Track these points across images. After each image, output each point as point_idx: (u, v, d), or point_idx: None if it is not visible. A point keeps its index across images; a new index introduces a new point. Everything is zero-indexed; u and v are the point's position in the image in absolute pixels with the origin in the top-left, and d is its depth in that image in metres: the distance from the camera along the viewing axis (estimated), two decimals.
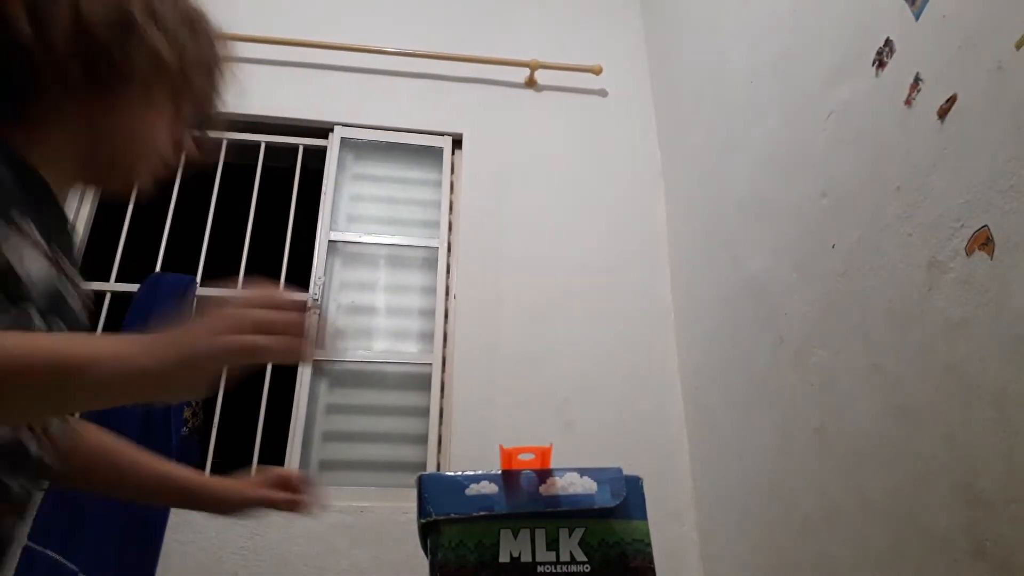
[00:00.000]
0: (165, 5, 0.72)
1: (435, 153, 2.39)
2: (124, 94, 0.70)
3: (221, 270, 1.94)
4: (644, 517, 0.64)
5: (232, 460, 1.64)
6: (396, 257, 2.28)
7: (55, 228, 0.68)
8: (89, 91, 0.67)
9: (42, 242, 0.64)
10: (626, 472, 0.65)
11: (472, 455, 1.93)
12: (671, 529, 1.93)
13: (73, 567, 1.59)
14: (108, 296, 2.02)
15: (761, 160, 1.73)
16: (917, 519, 1.10)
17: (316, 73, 2.38)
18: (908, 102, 1.19)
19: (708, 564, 1.88)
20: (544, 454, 0.65)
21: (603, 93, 2.56)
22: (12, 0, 0.62)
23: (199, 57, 0.76)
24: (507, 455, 0.64)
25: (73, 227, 0.80)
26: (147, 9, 0.69)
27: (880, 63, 1.28)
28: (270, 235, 2.24)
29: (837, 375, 1.35)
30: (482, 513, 0.60)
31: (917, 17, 1.18)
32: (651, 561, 0.62)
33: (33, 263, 0.62)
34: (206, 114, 0.81)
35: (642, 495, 0.65)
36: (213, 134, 0.85)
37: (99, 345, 0.54)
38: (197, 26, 0.77)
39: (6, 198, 0.60)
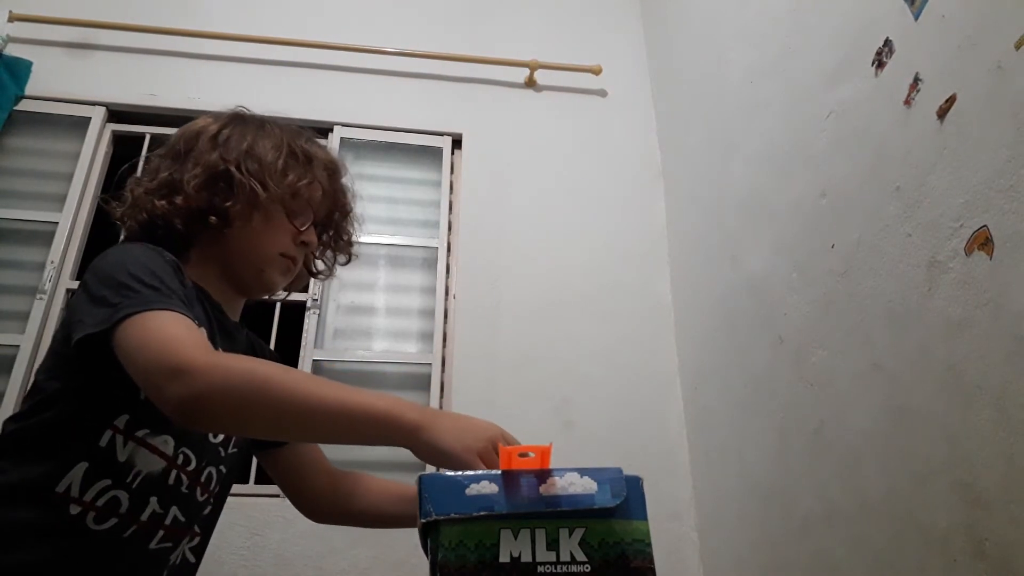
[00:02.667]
0: (257, 146, 0.96)
1: (435, 153, 2.39)
2: (241, 224, 0.94)
3: None
4: (644, 517, 0.64)
5: None
6: (396, 257, 2.28)
7: (221, 333, 0.93)
8: (217, 229, 0.92)
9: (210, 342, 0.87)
10: (626, 472, 0.65)
11: None
12: (671, 529, 1.93)
13: None
14: None
15: (761, 160, 1.73)
16: (916, 519, 1.10)
17: (316, 73, 2.38)
18: (907, 102, 1.19)
19: (708, 564, 1.88)
20: (544, 453, 0.65)
21: (603, 93, 2.56)
22: (151, 187, 0.94)
23: (297, 174, 0.97)
24: (507, 454, 0.64)
25: (239, 328, 1.02)
26: (239, 160, 0.94)
27: (879, 63, 1.28)
28: None
29: (837, 375, 1.35)
30: (482, 513, 0.60)
31: (917, 17, 1.18)
32: (651, 561, 0.62)
33: None
34: (320, 208, 1.03)
35: (642, 495, 0.64)
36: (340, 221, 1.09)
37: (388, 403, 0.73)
38: (294, 148, 0.99)
39: (195, 313, 0.83)
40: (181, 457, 0.85)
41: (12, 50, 2.15)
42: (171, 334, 0.72)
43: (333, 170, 1.06)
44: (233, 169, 0.93)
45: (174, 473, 0.84)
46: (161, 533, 0.84)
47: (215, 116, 1.01)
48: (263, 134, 0.99)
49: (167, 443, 0.84)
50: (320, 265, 1.12)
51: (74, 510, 0.77)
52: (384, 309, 2.21)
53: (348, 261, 1.15)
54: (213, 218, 0.92)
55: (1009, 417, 0.94)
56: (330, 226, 1.08)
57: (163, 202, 0.92)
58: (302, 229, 1.00)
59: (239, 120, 1.01)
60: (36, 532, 0.75)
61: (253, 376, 0.71)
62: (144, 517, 0.81)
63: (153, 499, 0.82)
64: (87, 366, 0.80)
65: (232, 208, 0.93)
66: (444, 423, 0.72)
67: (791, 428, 1.50)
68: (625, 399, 2.09)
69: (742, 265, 1.78)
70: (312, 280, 1.15)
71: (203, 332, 0.79)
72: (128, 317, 0.73)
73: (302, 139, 1.03)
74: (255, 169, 0.94)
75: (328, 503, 1.08)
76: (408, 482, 0.96)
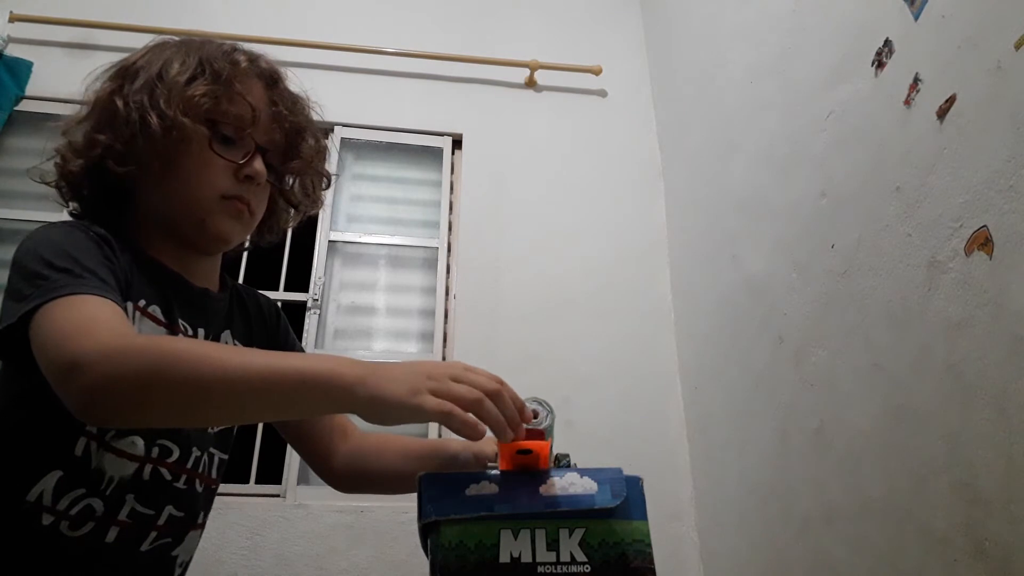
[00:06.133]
0: (164, 70, 0.79)
1: (435, 153, 2.40)
2: (158, 167, 0.78)
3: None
4: (644, 517, 0.64)
5: (232, 458, 1.63)
6: (396, 257, 2.28)
7: (181, 304, 0.81)
8: (132, 179, 0.79)
9: (162, 318, 0.78)
10: (626, 472, 0.65)
11: None
12: (671, 529, 1.93)
13: None
14: None
15: (761, 160, 1.73)
16: (916, 519, 1.10)
17: (316, 73, 2.38)
18: (907, 102, 1.20)
19: (708, 564, 1.88)
20: (542, 448, 0.65)
21: (603, 93, 2.57)
22: (77, 147, 0.80)
23: (202, 90, 0.78)
24: (506, 451, 0.64)
25: (207, 293, 0.86)
26: (138, 90, 0.78)
27: (879, 63, 1.28)
28: None
29: (837, 375, 1.35)
30: (482, 514, 0.60)
31: (916, 17, 1.18)
32: (651, 561, 0.62)
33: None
34: (260, 130, 0.83)
35: (642, 495, 0.64)
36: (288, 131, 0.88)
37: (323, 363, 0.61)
38: (205, 62, 0.80)
39: (132, 293, 0.74)
40: (156, 451, 0.77)
41: (13, 50, 2.15)
42: (70, 324, 0.62)
43: (267, 79, 0.84)
44: (118, 101, 0.77)
45: (149, 468, 0.76)
46: (154, 534, 0.78)
47: (138, 50, 0.85)
48: (177, 54, 0.81)
49: (134, 444, 0.75)
50: (295, 197, 0.93)
51: (46, 520, 0.71)
52: (384, 309, 2.22)
53: (328, 185, 0.97)
54: (110, 162, 0.77)
55: (1009, 417, 0.94)
56: (282, 149, 0.87)
57: (80, 161, 0.79)
58: (241, 161, 0.80)
59: (157, 49, 0.83)
60: (4, 542, 0.70)
61: (152, 356, 0.59)
62: (123, 516, 0.74)
63: (130, 497, 0.75)
64: (24, 368, 0.68)
65: (129, 147, 0.77)
66: (388, 372, 0.59)
67: (791, 428, 1.50)
68: (625, 399, 2.10)
69: (742, 265, 1.78)
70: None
71: (121, 310, 0.68)
72: (37, 309, 0.64)
73: (222, 50, 0.82)
74: (154, 95, 0.77)
75: (345, 464, 0.96)
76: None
